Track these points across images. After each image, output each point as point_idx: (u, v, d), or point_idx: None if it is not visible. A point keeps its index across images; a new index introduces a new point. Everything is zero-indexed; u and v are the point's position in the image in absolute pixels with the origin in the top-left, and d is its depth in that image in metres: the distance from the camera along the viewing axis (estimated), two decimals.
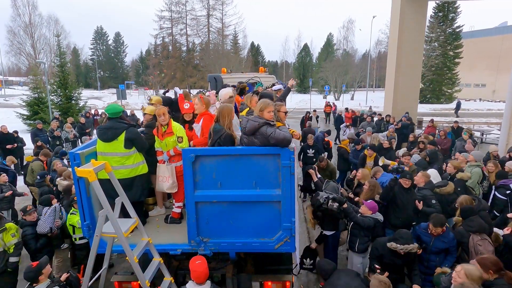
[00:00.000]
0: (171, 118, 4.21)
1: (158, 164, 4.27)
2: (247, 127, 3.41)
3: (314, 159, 8.33)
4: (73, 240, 5.24)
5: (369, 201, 4.82)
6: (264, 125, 3.35)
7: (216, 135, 3.66)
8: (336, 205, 4.50)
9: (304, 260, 5.40)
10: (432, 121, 13.15)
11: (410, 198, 5.14)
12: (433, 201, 5.23)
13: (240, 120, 4.26)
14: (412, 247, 3.92)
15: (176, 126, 4.11)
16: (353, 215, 4.58)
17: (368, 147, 7.96)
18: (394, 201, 5.16)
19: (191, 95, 6.10)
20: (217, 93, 6.26)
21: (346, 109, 18.44)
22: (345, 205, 4.56)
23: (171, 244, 3.81)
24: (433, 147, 8.53)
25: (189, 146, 4.16)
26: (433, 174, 5.99)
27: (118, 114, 3.95)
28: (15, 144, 10.74)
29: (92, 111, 18.28)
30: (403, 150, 8.97)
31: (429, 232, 4.39)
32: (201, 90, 8.32)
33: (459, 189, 5.62)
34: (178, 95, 5.14)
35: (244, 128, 3.47)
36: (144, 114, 4.83)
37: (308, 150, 8.68)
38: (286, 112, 4.41)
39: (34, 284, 3.40)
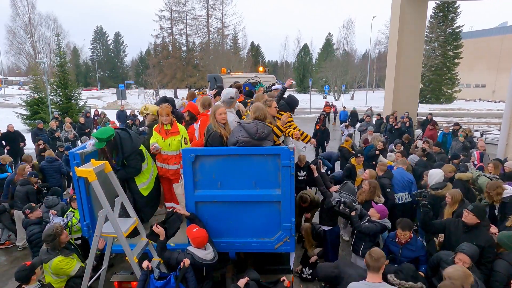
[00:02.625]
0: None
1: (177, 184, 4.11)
2: (265, 131, 3.45)
3: (305, 184, 6.59)
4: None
5: (379, 204, 4.69)
6: (272, 131, 3.61)
7: (206, 134, 3.72)
8: (347, 210, 4.48)
9: (304, 269, 5.36)
10: (433, 124, 12.40)
11: (472, 239, 3.66)
12: (388, 190, 5.16)
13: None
14: (411, 286, 3.33)
15: (181, 127, 4.08)
16: (357, 224, 4.45)
17: (359, 154, 7.20)
18: (443, 234, 4.16)
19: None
20: (218, 94, 6.28)
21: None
22: (352, 213, 4.47)
23: (170, 244, 3.81)
24: (438, 149, 8.45)
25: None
26: (436, 175, 5.68)
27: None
28: (23, 143, 10.86)
29: (92, 111, 18.26)
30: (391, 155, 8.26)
31: (397, 240, 4.07)
32: (201, 88, 8.28)
33: (458, 190, 5.40)
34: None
35: (262, 133, 3.42)
36: (147, 114, 4.81)
37: (298, 173, 6.39)
38: (276, 107, 4.44)
39: (23, 286, 3.30)
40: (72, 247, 4.12)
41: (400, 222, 4.07)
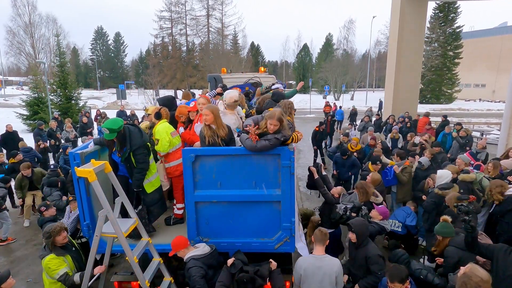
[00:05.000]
0: (164, 118, 4.26)
1: None
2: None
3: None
4: None
5: (380, 206, 4.65)
6: None
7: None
8: (354, 214, 4.43)
9: None
10: (429, 123, 12.44)
11: None
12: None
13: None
14: None
15: (155, 128, 4.13)
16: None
17: (377, 162, 6.72)
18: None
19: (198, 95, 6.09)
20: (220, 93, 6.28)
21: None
22: (353, 213, 4.43)
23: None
24: (439, 149, 8.44)
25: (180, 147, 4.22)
26: (446, 175, 5.60)
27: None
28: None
29: (93, 112, 18.26)
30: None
31: None
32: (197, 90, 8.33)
33: (461, 190, 5.33)
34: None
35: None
36: (148, 114, 4.85)
37: None
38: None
39: None
40: (74, 249, 4.00)
41: (389, 270, 3.36)
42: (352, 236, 3.79)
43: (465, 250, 3.62)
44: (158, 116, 4.18)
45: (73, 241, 4.17)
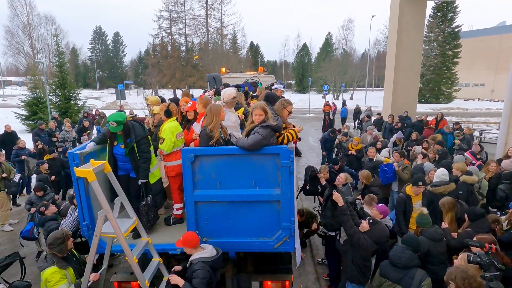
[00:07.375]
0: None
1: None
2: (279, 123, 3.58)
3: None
4: None
5: (380, 204, 4.63)
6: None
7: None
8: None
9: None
10: (429, 123, 12.35)
11: None
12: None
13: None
14: None
15: (163, 126, 4.19)
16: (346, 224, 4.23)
17: (420, 183, 5.22)
18: None
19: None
20: (216, 93, 6.29)
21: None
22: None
23: (170, 244, 3.78)
24: (440, 147, 8.41)
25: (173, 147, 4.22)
26: (441, 173, 5.56)
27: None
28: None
29: (93, 112, 18.21)
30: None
31: None
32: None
33: (460, 192, 5.30)
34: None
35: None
36: (154, 114, 4.86)
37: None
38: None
39: None
40: (74, 259, 3.78)
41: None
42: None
43: (435, 241, 3.96)
44: (169, 113, 4.22)
45: (74, 250, 3.91)
